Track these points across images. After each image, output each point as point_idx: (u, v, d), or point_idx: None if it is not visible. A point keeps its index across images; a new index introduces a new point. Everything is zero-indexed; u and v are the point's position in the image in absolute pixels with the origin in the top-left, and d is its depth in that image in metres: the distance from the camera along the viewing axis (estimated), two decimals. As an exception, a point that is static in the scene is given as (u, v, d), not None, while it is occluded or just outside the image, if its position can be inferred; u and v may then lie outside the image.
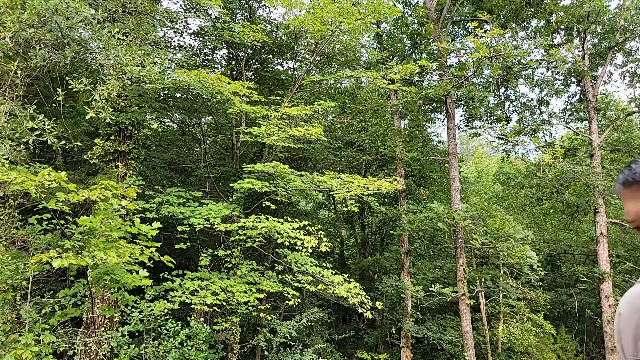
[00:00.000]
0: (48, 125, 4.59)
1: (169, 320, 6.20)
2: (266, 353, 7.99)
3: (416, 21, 12.02)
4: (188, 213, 6.54)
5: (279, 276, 7.47)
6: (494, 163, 23.27)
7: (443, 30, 10.89)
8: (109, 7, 5.58)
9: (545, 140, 12.97)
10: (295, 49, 9.84)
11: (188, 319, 6.63)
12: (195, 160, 10.47)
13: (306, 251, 6.79)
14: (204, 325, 6.61)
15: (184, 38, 12.34)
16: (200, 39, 9.81)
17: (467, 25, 12.66)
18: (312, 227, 7.15)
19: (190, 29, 9.53)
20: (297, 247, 6.87)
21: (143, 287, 5.68)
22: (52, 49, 5.12)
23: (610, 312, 10.60)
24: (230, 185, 7.34)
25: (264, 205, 7.58)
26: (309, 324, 8.86)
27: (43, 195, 4.27)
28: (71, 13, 4.69)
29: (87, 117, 4.89)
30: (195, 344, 6.22)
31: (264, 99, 7.79)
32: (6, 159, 4.53)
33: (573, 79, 12.37)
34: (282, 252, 7.53)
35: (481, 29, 10.51)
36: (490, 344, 11.54)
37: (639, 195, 0.72)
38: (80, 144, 5.32)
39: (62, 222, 4.81)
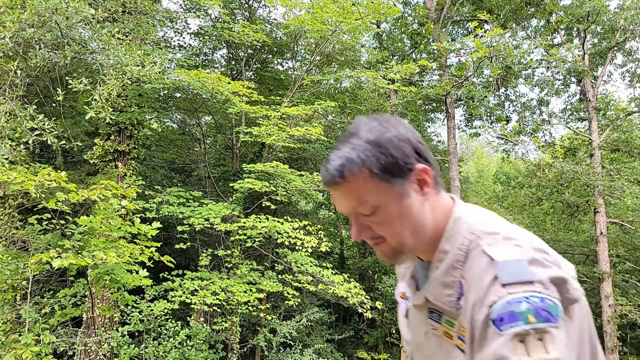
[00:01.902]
0: (48, 125, 4.59)
1: (169, 320, 6.19)
2: (266, 353, 7.98)
3: (416, 21, 12.02)
4: (188, 213, 6.53)
5: (279, 276, 7.47)
6: (494, 163, 23.27)
7: (443, 30, 10.89)
8: (108, 7, 5.58)
9: (545, 140, 12.97)
10: (295, 48, 9.84)
11: (188, 319, 6.63)
12: (195, 160, 10.46)
13: (306, 251, 6.78)
14: (204, 325, 6.60)
15: (183, 38, 12.33)
16: (200, 38, 9.81)
17: (467, 25, 12.66)
18: (312, 227, 7.14)
19: (190, 28, 9.54)
20: (297, 247, 6.86)
21: (143, 287, 5.69)
22: (52, 48, 5.12)
23: (610, 312, 10.59)
24: (230, 185, 7.33)
25: (264, 205, 7.58)
26: (309, 324, 8.85)
27: (43, 195, 4.27)
28: (71, 13, 4.69)
29: (87, 117, 4.89)
30: (195, 344, 6.21)
31: (264, 99, 7.79)
32: (6, 158, 4.53)
33: (573, 79, 12.37)
34: (282, 252, 7.52)
35: (481, 28, 10.51)
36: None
37: (336, 193, 0.82)
38: (80, 144, 5.32)
39: (62, 222, 4.81)
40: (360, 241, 0.87)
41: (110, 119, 4.93)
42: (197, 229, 6.51)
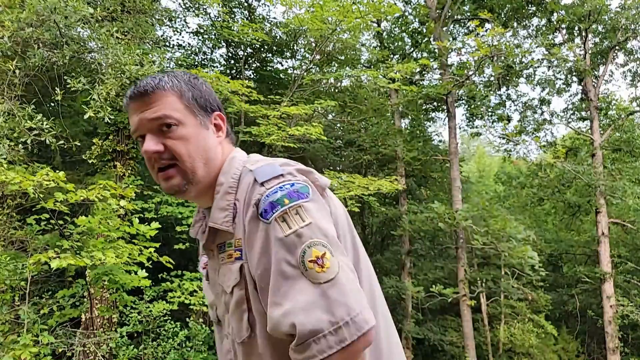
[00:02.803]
0: (46, 124, 4.56)
1: (168, 321, 6.16)
2: (266, 354, 7.95)
3: (417, 20, 11.99)
4: (187, 213, 6.50)
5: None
6: (495, 163, 23.22)
7: (444, 29, 10.85)
8: (107, 6, 5.55)
9: (547, 140, 12.93)
10: (295, 47, 9.80)
11: (187, 319, 6.60)
12: (194, 160, 10.43)
13: (306, 251, 6.72)
14: (203, 326, 6.57)
15: (182, 37, 12.32)
16: (199, 37, 9.78)
17: (468, 24, 12.61)
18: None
19: (189, 27, 9.52)
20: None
21: (142, 287, 5.66)
22: (50, 48, 5.09)
23: (611, 312, 10.55)
24: (230, 185, 7.29)
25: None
26: (309, 324, 8.82)
27: (41, 195, 4.24)
28: (70, 12, 4.66)
29: (86, 117, 4.85)
30: (195, 345, 6.19)
31: (264, 98, 7.75)
32: (4, 158, 4.49)
33: (574, 78, 12.33)
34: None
35: (482, 27, 10.47)
36: (491, 345, 11.50)
37: (141, 104, 0.87)
38: (79, 144, 5.28)
39: (61, 222, 4.78)
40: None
41: (109, 118, 4.90)
42: (196, 229, 6.48)
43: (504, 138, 12.31)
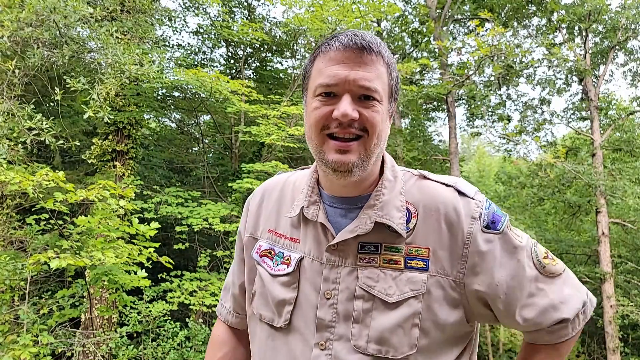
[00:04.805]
0: (46, 124, 4.55)
1: (168, 322, 6.17)
2: (266, 354, 7.95)
3: (417, 19, 11.98)
4: (186, 213, 6.50)
5: (279, 276, 7.42)
6: (496, 163, 23.22)
7: (444, 28, 10.84)
8: (107, 6, 5.54)
9: (547, 139, 12.93)
10: (295, 47, 9.80)
11: (187, 320, 6.60)
12: (193, 160, 10.42)
13: (306, 251, 6.71)
14: (203, 326, 6.57)
15: (182, 36, 12.32)
16: (199, 37, 9.78)
17: (468, 24, 12.61)
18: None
19: (188, 27, 9.52)
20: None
21: (141, 287, 5.65)
22: (50, 48, 5.08)
23: (612, 312, 10.55)
24: (229, 185, 7.30)
25: (263, 205, 7.52)
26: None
27: (41, 195, 4.23)
28: (69, 12, 4.65)
29: (85, 117, 4.85)
30: (194, 345, 6.19)
31: (263, 98, 7.75)
32: (4, 158, 4.49)
33: (574, 78, 12.32)
34: (281, 252, 7.46)
35: (482, 27, 10.46)
36: (491, 344, 11.50)
37: (357, 59, 0.76)
38: (78, 144, 5.28)
39: (60, 222, 4.78)
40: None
41: (109, 118, 4.89)
42: (195, 230, 6.47)
43: (504, 138, 12.31)
